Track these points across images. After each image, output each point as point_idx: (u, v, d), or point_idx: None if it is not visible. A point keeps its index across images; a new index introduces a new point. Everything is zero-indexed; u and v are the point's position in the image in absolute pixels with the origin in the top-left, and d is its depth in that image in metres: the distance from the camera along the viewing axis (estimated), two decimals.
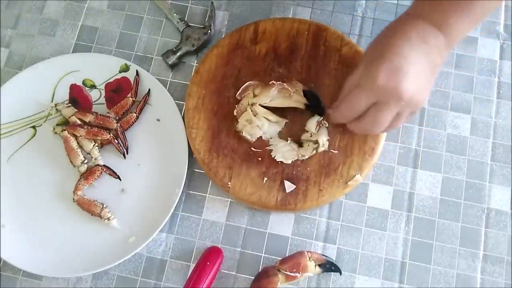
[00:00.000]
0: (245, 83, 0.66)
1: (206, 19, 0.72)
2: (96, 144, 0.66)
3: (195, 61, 0.72)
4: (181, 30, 0.72)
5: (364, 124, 0.55)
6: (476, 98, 0.70)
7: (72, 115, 0.67)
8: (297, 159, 0.63)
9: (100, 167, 0.65)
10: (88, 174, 0.65)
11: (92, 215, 0.64)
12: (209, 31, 0.71)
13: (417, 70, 0.51)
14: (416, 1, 0.55)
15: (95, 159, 0.66)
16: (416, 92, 0.51)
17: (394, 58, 0.50)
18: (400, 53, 0.51)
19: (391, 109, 0.52)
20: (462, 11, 0.52)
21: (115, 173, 0.66)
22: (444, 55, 0.54)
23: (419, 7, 0.54)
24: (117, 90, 0.70)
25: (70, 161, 0.66)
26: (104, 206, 0.64)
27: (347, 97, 0.54)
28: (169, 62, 0.70)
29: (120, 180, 0.66)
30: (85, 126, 0.66)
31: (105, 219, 0.64)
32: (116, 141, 0.66)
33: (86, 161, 0.66)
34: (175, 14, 0.72)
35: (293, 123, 0.66)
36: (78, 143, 0.66)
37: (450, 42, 0.53)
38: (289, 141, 0.64)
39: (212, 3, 0.73)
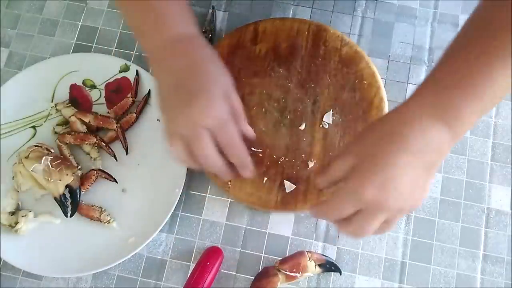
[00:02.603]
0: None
1: (207, 23, 0.72)
2: (96, 144, 0.66)
3: None
4: None
5: (350, 229, 0.50)
6: None
7: (72, 115, 0.67)
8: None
9: (95, 171, 0.65)
10: (84, 180, 0.64)
11: (91, 220, 0.64)
12: (210, 35, 0.71)
13: (412, 179, 0.46)
14: (418, 90, 0.48)
15: (94, 159, 0.66)
16: (406, 202, 0.47)
17: (387, 169, 0.45)
18: (394, 163, 0.45)
19: (378, 218, 0.47)
20: (474, 102, 0.45)
21: (111, 176, 0.65)
22: (447, 152, 0.48)
23: (422, 97, 0.47)
24: (117, 90, 0.70)
25: None
26: (103, 209, 0.64)
27: (332, 200, 0.49)
28: None
29: (117, 182, 0.65)
30: (72, 133, 0.66)
31: (104, 222, 0.63)
32: (106, 146, 0.66)
33: (79, 167, 0.65)
34: None
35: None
36: (77, 144, 0.66)
37: (456, 137, 0.47)
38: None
39: (213, 7, 0.73)
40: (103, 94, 0.70)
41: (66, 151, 0.65)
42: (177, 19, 0.53)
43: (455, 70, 0.46)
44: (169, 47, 0.52)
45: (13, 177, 0.65)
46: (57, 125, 0.68)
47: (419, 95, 0.47)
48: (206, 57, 0.53)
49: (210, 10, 0.73)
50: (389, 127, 0.47)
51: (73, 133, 0.66)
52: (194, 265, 0.63)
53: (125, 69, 0.70)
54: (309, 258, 0.61)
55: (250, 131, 0.54)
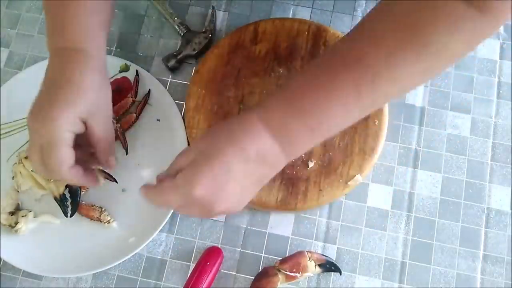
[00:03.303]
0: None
1: (207, 23, 0.72)
2: None
3: (195, 62, 0.72)
4: (182, 34, 0.72)
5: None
6: (476, 98, 0.70)
7: None
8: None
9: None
10: None
11: (91, 220, 0.64)
12: (210, 35, 0.71)
13: (242, 188, 0.47)
14: (265, 101, 0.48)
15: None
16: (228, 207, 0.48)
17: (219, 170, 0.45)
18: (227, 164, 0.45)
19: (197, 212, 0.49)
20: (306, 133, 0.46)
21: (111, 176, 0.65)
22: (280, 168, 0.49)
23: (265, 110, 0.47)
24: (117, 90, 0.70)
25: None
26: (103, 209, 0.64)
27: (162, 189, 0.49)
28: (170, 66, 0.70)
29: (117, 182, 0.65)
30: None
31: (104, 222, 0.63)
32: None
33: None
34: (176, 18, 0.72)
35: None
36: None
37: (289, 157, 0.48)
38: None
39: (213, 7, 0.73)
40: None
41: None
42: (80, 34, 0.54)
43: (297, 98, 0.46)
44: (58, 54, 0.54)
45: (13, 177, 0.65)
46: None
47: (264, 108, 0.47)
48: (79, 79, 0.52)
49: (210, 10, 0.73)
50: (231, 131, 0.47)
51: None
52: (194, 265, 0.63)
53: (125, 69, 0.70)
54: (309, 258, 0.61)
55: (110, 163, 0.58)
